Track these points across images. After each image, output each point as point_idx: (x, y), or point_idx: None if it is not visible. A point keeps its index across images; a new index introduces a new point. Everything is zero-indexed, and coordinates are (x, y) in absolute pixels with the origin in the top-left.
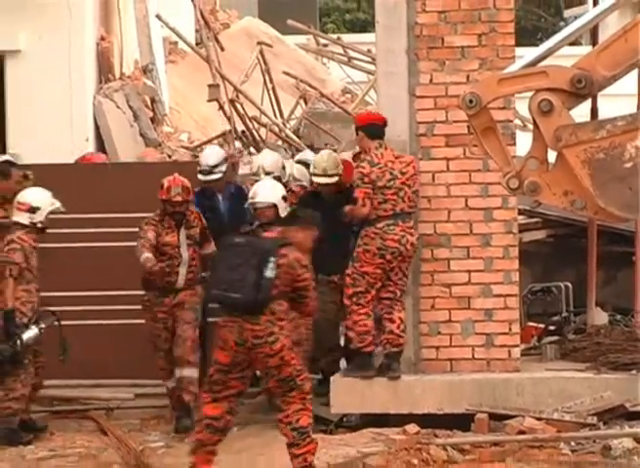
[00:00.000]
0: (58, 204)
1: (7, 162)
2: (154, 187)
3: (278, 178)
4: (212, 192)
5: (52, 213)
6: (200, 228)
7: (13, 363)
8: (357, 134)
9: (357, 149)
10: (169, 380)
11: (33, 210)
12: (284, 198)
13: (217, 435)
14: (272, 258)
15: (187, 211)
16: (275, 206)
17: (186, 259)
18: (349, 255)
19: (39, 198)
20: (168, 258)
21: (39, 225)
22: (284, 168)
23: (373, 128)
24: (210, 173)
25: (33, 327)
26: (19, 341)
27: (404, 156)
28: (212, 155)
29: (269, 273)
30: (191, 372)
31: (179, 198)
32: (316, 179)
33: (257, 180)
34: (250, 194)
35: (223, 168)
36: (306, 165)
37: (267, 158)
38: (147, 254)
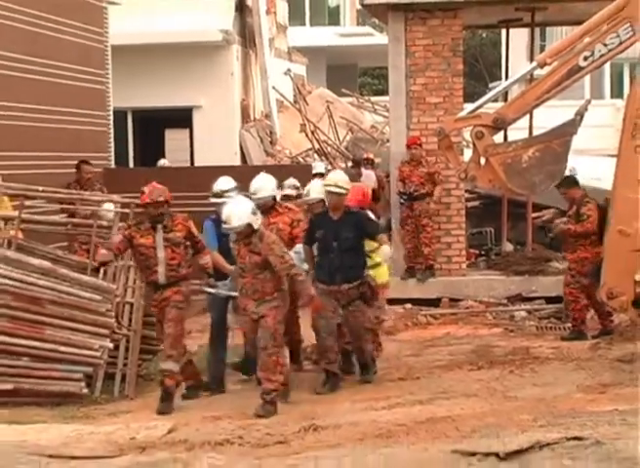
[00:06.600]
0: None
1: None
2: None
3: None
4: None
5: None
6: (185, 234)
7: None
8: (415, 148)
9: (405, 159)
10: None
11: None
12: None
13: None
14: None
15: (167, 215)
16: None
17: (163, 259)
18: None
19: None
20: (145, 259)
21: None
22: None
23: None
24: (220, 196)
25: None
26: None
27: None
28: (224, 182)
29: None
30: (172, 366)
31: (161, 198)
32: (327, 189)
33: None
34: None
35: (233, 194)
36: (321, 175)
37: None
38: (103, 251)
